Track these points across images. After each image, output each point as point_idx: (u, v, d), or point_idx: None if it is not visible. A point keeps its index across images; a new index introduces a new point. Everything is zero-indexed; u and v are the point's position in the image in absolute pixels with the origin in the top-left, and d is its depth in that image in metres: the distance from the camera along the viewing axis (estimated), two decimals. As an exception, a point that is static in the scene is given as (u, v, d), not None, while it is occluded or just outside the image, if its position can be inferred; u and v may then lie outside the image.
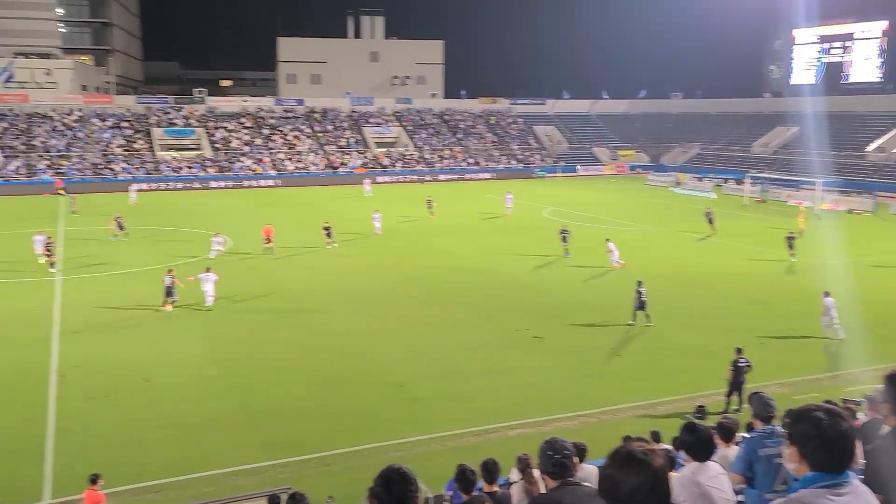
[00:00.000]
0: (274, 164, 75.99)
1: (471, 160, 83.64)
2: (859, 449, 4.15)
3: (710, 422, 12.24)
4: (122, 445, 15.87)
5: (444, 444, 16.08)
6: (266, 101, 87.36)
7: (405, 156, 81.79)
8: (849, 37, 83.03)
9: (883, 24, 79.21)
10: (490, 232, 44.41)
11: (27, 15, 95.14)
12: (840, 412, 3.22)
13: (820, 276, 29.83)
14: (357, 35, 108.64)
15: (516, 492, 8.40)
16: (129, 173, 70.02)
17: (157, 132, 76.95)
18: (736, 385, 17.82)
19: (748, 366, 17.91)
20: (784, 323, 25.01)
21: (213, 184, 71.05)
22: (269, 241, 36.76)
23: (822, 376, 20.32)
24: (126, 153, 73.18)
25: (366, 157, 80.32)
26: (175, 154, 74.95)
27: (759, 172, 66.99)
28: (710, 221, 43.62)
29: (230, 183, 71.62)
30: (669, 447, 10.48)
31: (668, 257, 36.72)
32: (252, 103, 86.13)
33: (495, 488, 7.74)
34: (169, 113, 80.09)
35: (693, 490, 5.77)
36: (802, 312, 25.36)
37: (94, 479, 12.42)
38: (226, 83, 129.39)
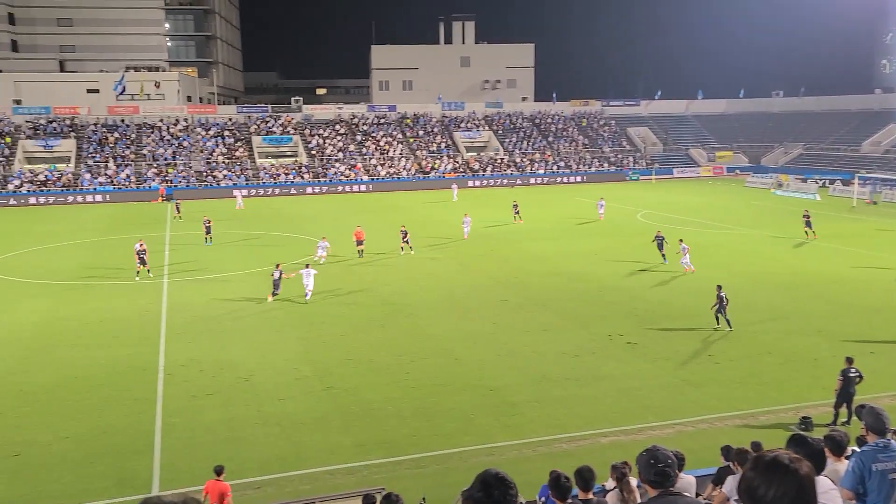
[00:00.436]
0: (366, 170, 77.44)
1: (562, 163, 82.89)
2: None
3: (817, 434, 11.69)
4: (224, 442, 16.46)
5: (535, 449, 15.96)
6: (359, 108, 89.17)
7: (495, 160, 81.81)
8: (969, 27, 77.90)
9: None
10: (582, 236, 43.85)
11: (138, 31, 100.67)
12: None
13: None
14: (448, 41, 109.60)
15: (612, 500, 8.25)
16: (231, 180, 72.84)
17: (256, 140, 79.75)
18: (845, 396, 16.92)
19: (859, 376, 16.98)
20: (898, 331, 23.62)
21: (309, 189, 73.06)
22: (360, 243, 37.57)
23: (941, 389, 19.07)
24: (228, 161, 76.15)
25: (456, 162, 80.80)
26: (273, 161, 77.50)
27: (870, 172, 63.61)
28: (808, 225, 41.11)
29: (324, 188, 73.46)
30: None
31: (770, 261, 35.32)
32: (346, 110, 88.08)
33: (590, 496, 7.61)
34: (267, 121, 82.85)
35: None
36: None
37: (218, 471, 12.73)
38: (321, 91, 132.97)
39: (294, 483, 14.75)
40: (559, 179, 80.00)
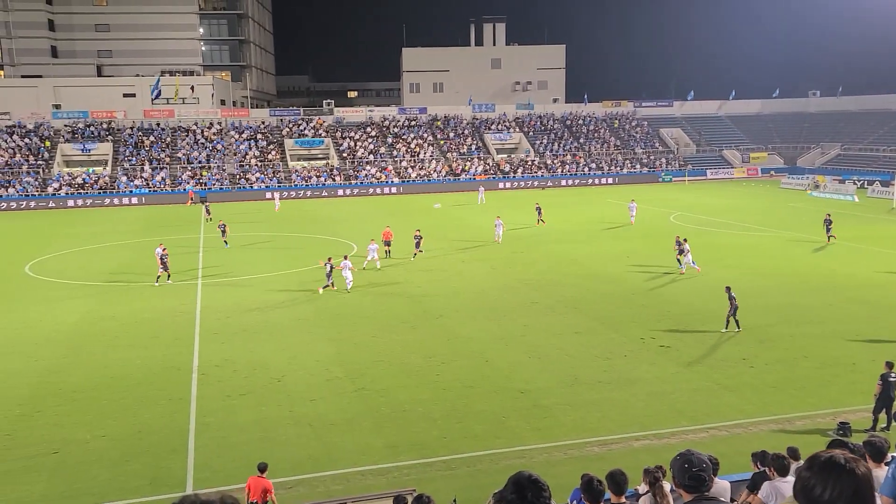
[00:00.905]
0: (397, 172, 77.70)
1: (593, 165, 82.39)
2: None
3: (855, 440, 11.47)
4: (257, 442, 16.62)
5: (566, 452, 15.87)
6: (390, 111, 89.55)
7: (526, 162, 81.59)
8: None
9: None
10: (613, 238, 43.53)
11: (173, 36, 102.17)
12: None
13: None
14: (479, 42, 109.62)
15: (645, 505, 8.18)
16: (263, 182, 73.58)
17: (288, 143, 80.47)
18: (885, 401, 16.58)
19: (899, 381, 16.63)
20: (939, 336, 23.08)
21: (340, 191, 73.54)
22: (388, 244, 37.82)
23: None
24: (260, 163, 76.94)
25: (487, 164, 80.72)
26: (305, 163, 78.13)
27: (910, 173, 62.26)
28: (828, 229, 39.77)
29: (356, 191, 73.88)
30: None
31: (806, 264, 34.74)
32: (377, 113, 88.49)
33: (623, 500, 7.55)
34: (299, 124, 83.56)
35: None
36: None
37: (262, 468, 12.80)
38: (352, 94, 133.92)
39: (326, 483, 14.84)
40: (590, 181, 79.54)
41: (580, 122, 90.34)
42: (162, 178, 72.74)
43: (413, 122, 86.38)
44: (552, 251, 39.22)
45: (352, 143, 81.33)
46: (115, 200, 69.07)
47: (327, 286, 30.69)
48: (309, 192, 72.69)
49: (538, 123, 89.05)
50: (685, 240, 33.86)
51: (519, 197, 67.19)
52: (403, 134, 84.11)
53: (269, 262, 37.88)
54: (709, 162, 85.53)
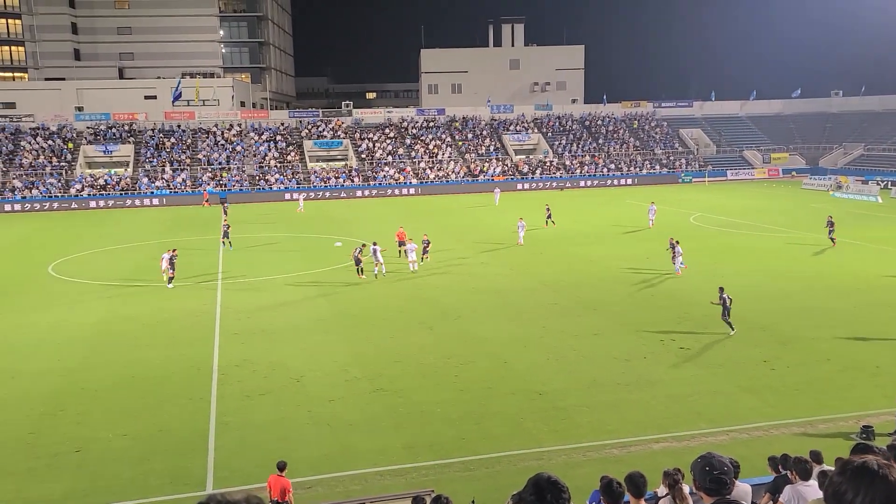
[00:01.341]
0: (415, 173, 77.82)
1: (612, 166, 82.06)
2: None
3: (879, 443, 11.33)
4: (276, 441, 16.69)
5: (585, 454, 15.81)
6: (408, 112, 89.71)
7: (545, 162, 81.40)
8: None
9: None
10: (633, 239, 43.32)
11: (194, 38, 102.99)
12: None
13: None
14: (497, 43, 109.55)
15: (664, 507, 8.13)
16: (283, 184, 73.97)
17: (307, 144, 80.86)
18: (908, 405, 16.39)
19: (923, 384, 16.41)
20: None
21: (359, 192, 73.78)
22: (402, 244, 37.89)
23: None
24: (280, 165, 77.36)
25: (505, 165, 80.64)
26: (323, 164, 78.46)
27: (934, 174, 61.44)
28: (830, 231, 38.63)
29: (374, 192, 74.09)
30: (829, 468, 9.78)
31: (829, 265, 34.38)
32: (395, 114, 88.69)
33: (642, 503, 7.51)
34: (318, 126, 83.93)
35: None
36: None
37: (281, 466, 12.85)
38: (371, 96, 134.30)
39: (344, 483, 14.88)
40: (609, 182, 79.23)
41: (599, 122, 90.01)
42: (182, 179, 73.34)
43: (431, 124, 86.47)
44: (571, 252, 39.09)
45: (370, 145, 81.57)
46: (137, 201, 69.76)
47: (360, 269, 33.24)
48: (328, 194, 72.99)
49: (557, 124, 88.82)
50: (678, 241, 33.60)
51: (538, 198, 67.03)
52: (422, 135, 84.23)
53: (289, 262, 38.06)
54: (729, 163, 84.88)
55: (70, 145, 76.83)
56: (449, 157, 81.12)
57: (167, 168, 74.57)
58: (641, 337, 23.97)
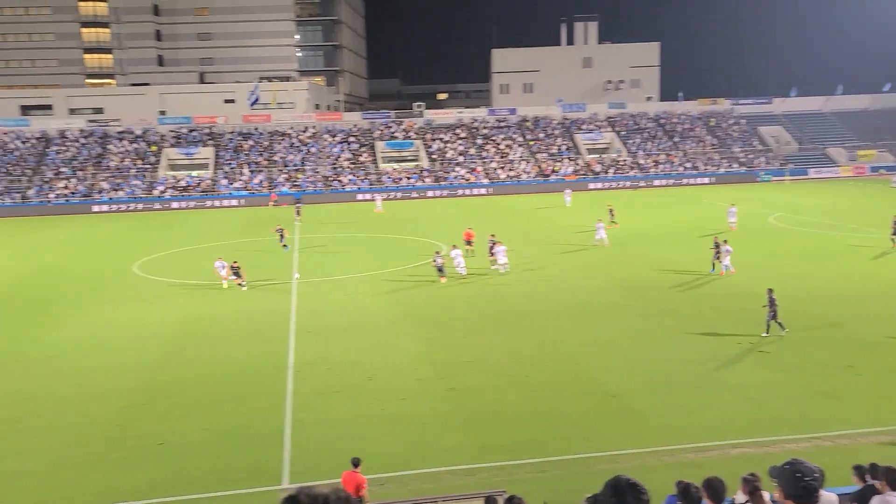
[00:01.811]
0: (486, 173, 77.79)
1: (688, 164, 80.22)
2: None
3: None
4: (349, 438, 16.94)
5: (659, 459, 15.50)
6: (480, 112, 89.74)
7: (618, 161, 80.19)
8: None
9: None
10: (709, 241, 42.16)
11: (270, 43, 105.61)
12: None
13: None
14: (570, 42, 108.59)
15: (743, 515, 7.92)
16: (355, 184, 75.07)
17: (379, 145, 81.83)
18: None
19: None
20: None
21: (430, 193, 74.21)
22: (469, 243, 37.97)
23: None
24: (353, 166, 78.54)
25: (577, 164, 79.81)
26: (395, 165, 79.27)
27: None
28: (894, 232, 36.92)
29: (445, 192, 74.38)
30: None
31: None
32: (467, 114, 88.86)
33: (720, 509, 7.32)
34: (391, 127, 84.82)
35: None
36: None
37: (356, 463, 13.07)
38: (442, 96, 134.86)
39: (416, 481, 14.99)
40: (685, 181, 77.49)
41: (675, 120, 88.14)
42: (259, 180, 75.26)
43: (502, 123, 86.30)
44: (646, 253, 38.40)
45: (441, 145, 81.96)
46: (216, 202, 71.95)
47: (444, 275, 32.89)
48: (399, 194, 73.69)
49: (631, 122, 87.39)
50: (725, 241, 32.86)
51: (609, 198, 66.02)
52: (493, 135, 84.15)
53: (362, 262, 38.59)
54: (811, 160, 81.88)
55: (154, 148, 79.81)
56: (520, 156, 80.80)
57: (245, 170, 76.64)
58: (717, 340, 23.36)
